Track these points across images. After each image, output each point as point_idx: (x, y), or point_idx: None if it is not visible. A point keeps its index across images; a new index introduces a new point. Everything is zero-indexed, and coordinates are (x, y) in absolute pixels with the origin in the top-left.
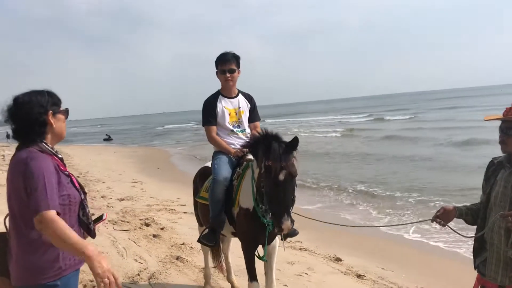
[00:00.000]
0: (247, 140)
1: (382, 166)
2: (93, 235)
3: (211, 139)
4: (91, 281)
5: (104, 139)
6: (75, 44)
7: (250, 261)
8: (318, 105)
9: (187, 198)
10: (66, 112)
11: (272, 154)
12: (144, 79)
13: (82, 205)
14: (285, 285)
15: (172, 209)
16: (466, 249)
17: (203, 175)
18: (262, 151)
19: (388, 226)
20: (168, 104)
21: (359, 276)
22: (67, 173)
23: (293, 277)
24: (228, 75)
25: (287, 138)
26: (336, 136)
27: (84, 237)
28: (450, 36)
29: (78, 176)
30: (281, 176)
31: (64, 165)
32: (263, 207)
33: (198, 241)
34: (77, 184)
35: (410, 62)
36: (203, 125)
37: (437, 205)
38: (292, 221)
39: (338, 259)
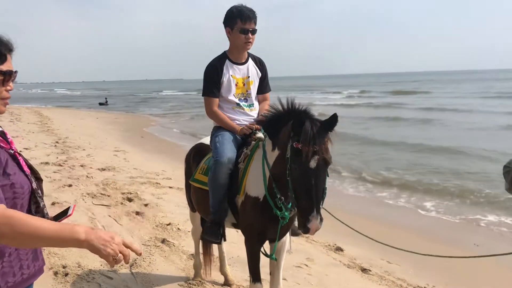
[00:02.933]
0: (265, 114)
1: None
2: None
3: (212, 113)
4: (64, 267)
5: (100, 104)
6: (63, 4)
7: (254, 258)
8: (293, 81)
9: (173, 171)
10: (4, 74)
11: (303, 134)
12: (127, 44)
13: (35, 197)
14: (284, 279)
15: (157, 183)
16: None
17: (198, 154)
18: (289, 129)
19: None
20: (150, 71)
21: (363, 270)
22: (12, 152)
23: (292, 269)
24: (250, 36)
25: None
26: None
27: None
28: (448, 16)
29: (56, 142)
30: (313, 163)
31: (7, 141)
32: (282, 197)
33: (202, 238)
34: (26, 169)
35: (396, 43)
36: (203, 95)
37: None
38: (321, 220)
39: (339, 249)
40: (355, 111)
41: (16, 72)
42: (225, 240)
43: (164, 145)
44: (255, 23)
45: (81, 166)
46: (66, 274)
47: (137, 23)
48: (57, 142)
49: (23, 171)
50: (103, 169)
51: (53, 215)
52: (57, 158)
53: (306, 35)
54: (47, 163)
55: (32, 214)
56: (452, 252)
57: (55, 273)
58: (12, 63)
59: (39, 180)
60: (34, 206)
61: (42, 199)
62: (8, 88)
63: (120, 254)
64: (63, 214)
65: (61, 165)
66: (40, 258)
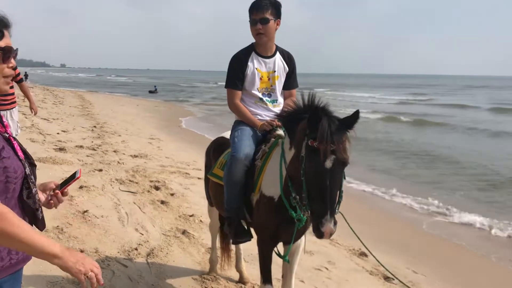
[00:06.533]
0: (285, 110)
1: None
2: (41, 225)
3: (233, 106)
4: (81, 251)
5: (150, 91)
6: None
7: (266, 260)
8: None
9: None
10: (3, 50)
11: (320, 132)
12: (172, 34)
13: (27, 183)
14: (302, 281)
15: (186, 173)
16: None
17: (218, 148)
18: (304, 126)
19: None
20: (194, 62)
21: (386, 279)
22: (7, 136)
23: (311, 271)
24: (259, 26)
25: None
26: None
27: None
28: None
29: (94, 127)
30: (329, 163)
31: (3, 124)
32: (297, 196)
33: (234, 243)
34: (21, 153)
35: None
36: (226, 87)
37: None
38: (335, 223)
39: (363, 254)
40: None
41: (16, 49)
42: (252, 236)
43: (200, 135)
44: (268, 12)
45: (114, 151)
46: None
47: (184, 13)
48: (94, 126)
49: (18, 156)
50: (135, 156)
51: (62, 180)
52: (92, 142)
53: (358, 33)
54: (81, 146)
55: (23, 200)
56: (485, 267)
57: None
58: (10, 40)
59: (32, 165)
60: (26, 192)
61: (35, 185)
62: (10, 65)
63: (91, 273)
64: (72, 178)
65: (95, 150)
66: None
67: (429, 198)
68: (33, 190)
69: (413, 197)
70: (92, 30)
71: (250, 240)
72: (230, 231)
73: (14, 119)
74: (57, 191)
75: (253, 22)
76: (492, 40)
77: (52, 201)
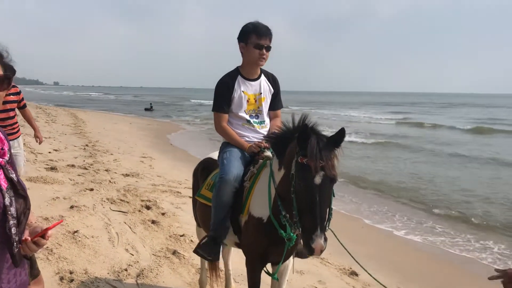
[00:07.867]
0: (273, 131)
1: None
2: (15, 262)
3: (220, 129)
4: (70, 273)
5: (146, 109)
6: (107, 10)
7: (255, 281)
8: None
9: None
10: None
11: (309, 148)
12: (166, 52)
13: (5, 216)
14: None
15: (177, 192)
16: None
17: (206, 168)
18: (295, 145)
19: None
20: (188, 80)
21: None
22: None
23: None
24: (265, 52)
25: None
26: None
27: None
28: (492, 38)
29: (86, 145)
30: (318, 179)
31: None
32: (287, 214)
33: (195, 251)
34: (3, 183)
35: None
36: (213, 110)
37: None
38: (326, 239)
39: (354, 273)
40: None
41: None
42: (217, 259)
43: (193, 153)
44: (270, 41)
45: (106, 170)
46: (72, 280)
47: (178, 32)
48: (86, 145)
49: None
50: (127, 175)
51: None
52: (84, 161)
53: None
54: (73, 165)
55: (6, 233)
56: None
57: (61, 279)
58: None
59: (20, 196)
60: (8, 224)
61: (14, 217)
62: None
63: None
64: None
65: (86, 169)
66: (22, 274)
67: (421, 217)
68: (10, 223)
69: (405, 216)
70: (85, 48)
71: (208, 260)
72: (206, 246)
73: (20, 156)
74: (27, 237)
75: (259, 47)
76: (477, 58)
77: (20, 246)
